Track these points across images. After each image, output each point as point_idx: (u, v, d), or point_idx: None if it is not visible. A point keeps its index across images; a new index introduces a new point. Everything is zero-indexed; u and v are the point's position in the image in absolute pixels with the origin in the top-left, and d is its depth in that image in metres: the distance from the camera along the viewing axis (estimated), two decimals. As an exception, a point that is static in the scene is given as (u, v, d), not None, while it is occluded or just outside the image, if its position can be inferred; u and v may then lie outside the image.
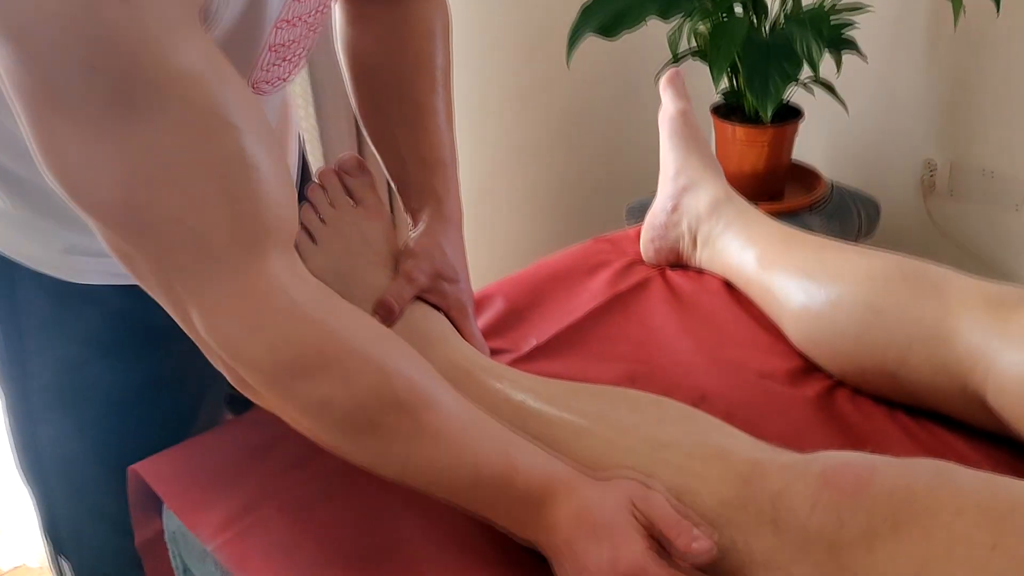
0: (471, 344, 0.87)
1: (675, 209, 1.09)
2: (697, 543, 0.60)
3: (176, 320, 0.60)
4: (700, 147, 1.12)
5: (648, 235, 1.11)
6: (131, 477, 0.82)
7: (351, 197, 0.90)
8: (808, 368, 0.92)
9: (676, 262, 1.11)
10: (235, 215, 0.55)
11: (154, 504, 0.84)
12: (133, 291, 0.76)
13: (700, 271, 1.09)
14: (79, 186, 0.52)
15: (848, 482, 0.59)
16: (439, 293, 0.87)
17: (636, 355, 0.94)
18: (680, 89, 1.15)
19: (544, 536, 0.65)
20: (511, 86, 2.16)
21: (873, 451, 0.64)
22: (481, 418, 0.67)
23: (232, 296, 0.57)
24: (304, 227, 0.86)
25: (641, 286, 1.06)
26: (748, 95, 1.81)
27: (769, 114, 1.70)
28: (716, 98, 2.03)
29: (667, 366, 0.92)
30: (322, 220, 0.88)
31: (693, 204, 1.08)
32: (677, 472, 0.67)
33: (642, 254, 1.12)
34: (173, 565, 0.85)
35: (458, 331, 0.87)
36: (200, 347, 0.62)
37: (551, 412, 0.74)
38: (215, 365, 0.63)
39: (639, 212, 2.06)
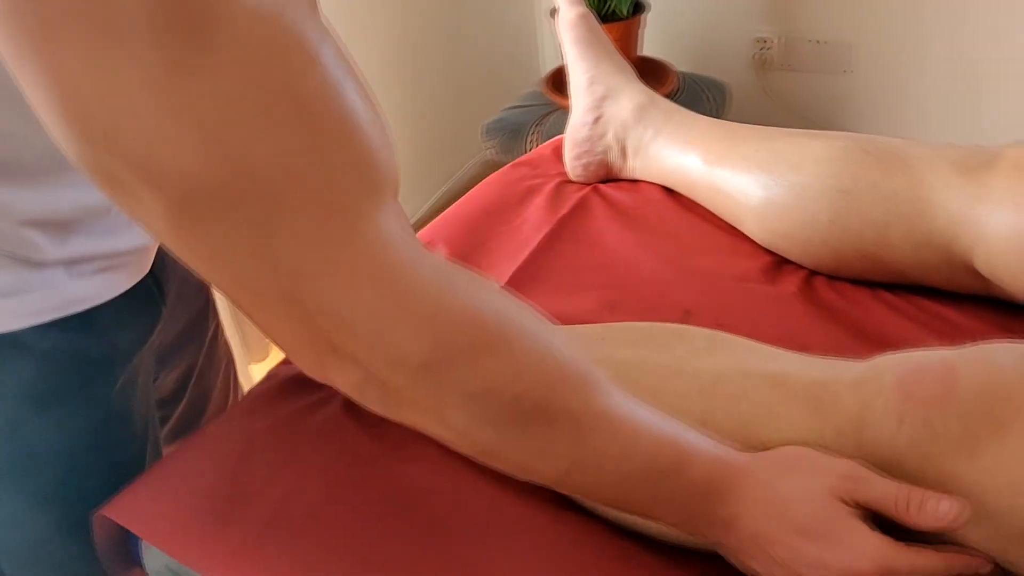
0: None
1: (597, 121, 1.03)
2: (943, 504, 0.53)
3: (281, 314, 0.45)
4: (609, 51, 1.06)
5: (573, 152, 1.05)
6: (98, 525, 0.70)
7: None
8: (778, 263, 0.90)
9: (607, 176, 1.05)
10: (347, 158, 0.42)
11: (126, 549, 0.74)
12: (56, 327, 0.63)
13: (634, 181, 1.04)
14: (154, 155, 0.37)
15: (931, 389, 0.56)
16: None
17: (604, 281, 0.89)
18: (576, -8, 1.08)
19: (722, 532, 0.57)
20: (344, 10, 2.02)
21: (882, 340, 0.61)
22: (640, 401, 0.56)
23: (364, 263, 0.44)
24: None
25: (581, 207, 1.00)
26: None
27: (627, 9, 1.66)
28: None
29: (639, 286, 0.88)
30: None
31: (616, 112, 1.02)
32: (736, 408, 0.62)
33: (569, 173, 1.07)
34: (161, 608, 0.74)
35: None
36: (315, 344, 0.46)
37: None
38: (312, 372, 0.48)
39: (498, 131, 1.99)
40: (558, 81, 2.07)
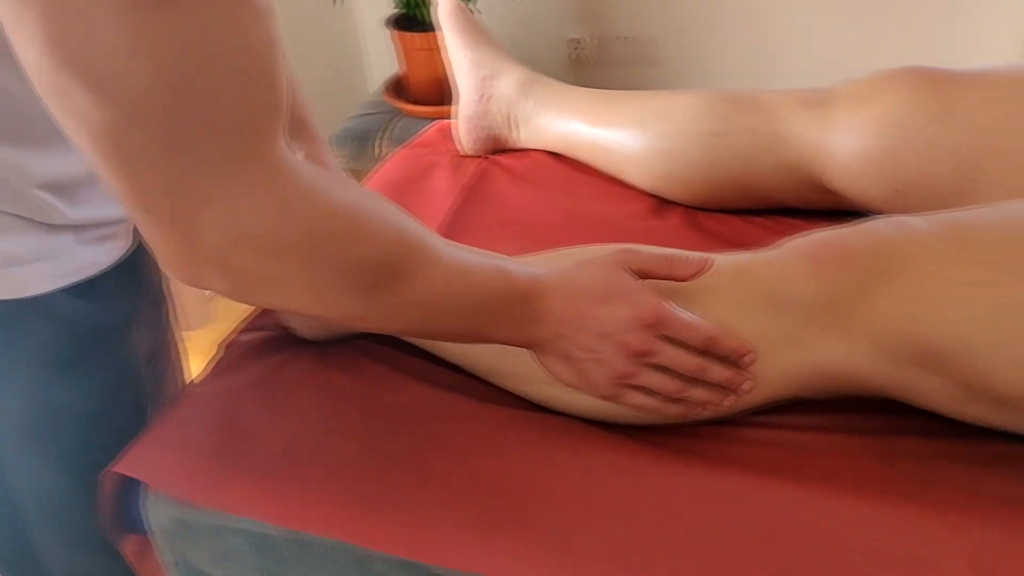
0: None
1: (484, 99, 1.15)
2: (693, 257, 0.70)
3: (170, 232, 0.53)
4: (487, 37, 1.18)
5: (464, 127, 1.16)
6: (107, 483, 0.75)
7: None
8: (662, 203, 1.05)
9: (497, 147, 1.17)
10: (266, 98, 0.51)
11: (127, 514, 0.78)
12: (73, 291, 0.68)
13: (523, 150, 1.17)
14: (108, 73, 0.45)
15: (832, 253, 0.71)
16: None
17: (516, 233, 1.01)
18: (450, -14, 1.19)
19: (541, 328, 0.68)
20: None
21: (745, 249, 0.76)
22: (467, 248, 0.69)
23: (259, 182, 0.53)
24: None
25: (481, 175, 1.12)
26: (429, 1, 1.88)
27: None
28: (390, 12, 2.08)
29: (548, 234, 1.00)
30: None
31: (501, 90, 1.14)
32: (681, 289, 0.75)
33: (462, 148, 1.17)
34: (164, 562, 0.79)
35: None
36: (195, 258, 0.55)
37: None
38: (210, 278, 0.57)
39: (346, 140, 2.07)
40: (397, 88, 2.18)
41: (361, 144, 2.06)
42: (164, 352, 0.93)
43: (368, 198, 0.62)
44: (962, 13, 2.05)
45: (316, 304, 0.60)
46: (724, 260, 0.77)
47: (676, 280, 0.71)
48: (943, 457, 0.70)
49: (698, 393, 0.71)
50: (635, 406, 0.71)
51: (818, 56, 2.22)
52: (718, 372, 0.70)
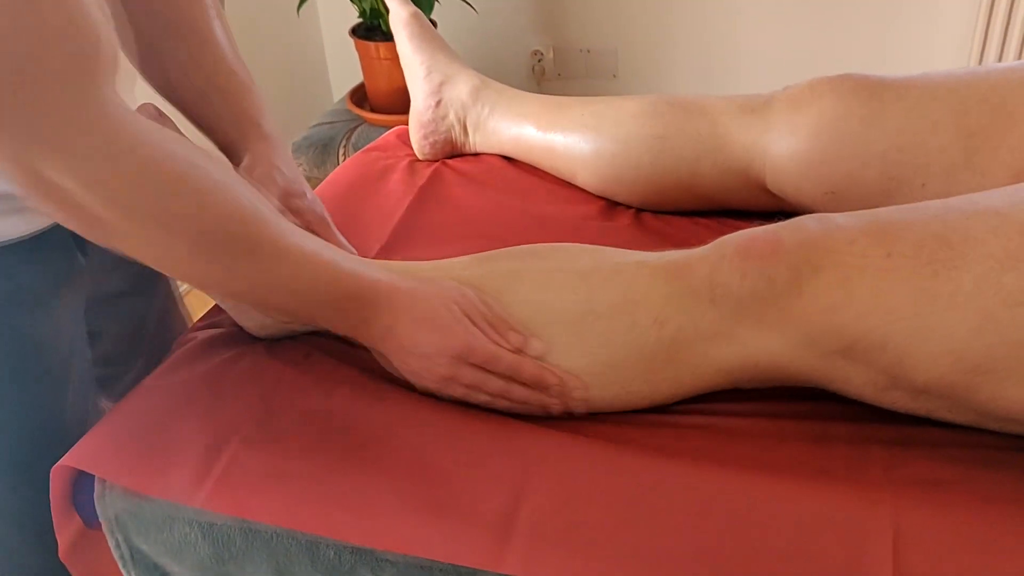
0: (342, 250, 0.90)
1: (438, 104, 1.17)
2: (514, 340, 0.77)
3: (14, 166, 0.57)
4: (441, 44, 1.21)
5: (419, 133, 1.19)
6: (57, 477, 0.76)
7: None
8: (611, 205, 1.08)
9: (452, 152, 1.20)
10: (81, 43, 0.56)
11: (73, 501, 0.79)
12: None
13: (476, 155, 1.19)
14: None
15: (763, 249, 0.74)
16: (296, 212, 0.88)
17: (470, 232, 1.03)
18: (404, -6, 1.22)
19: (368, 331, 0.76)
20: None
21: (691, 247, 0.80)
22: (309, 237, 0.74)
23: (86, 126, 0.57)
24: None
25: (436, 177, 1.14)
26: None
27: (424, 23, 1.82)
28: (352, 22, 2.11)
29: (500, 234, 1.02)
30: None
31: (455, 95, 1.17)
32: (613, 286, 0.78)
33: (417, 152, 1.20)
34: (116, 555, 0.80)
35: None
36: (42, 202, 0.59)
37: (481, 273, 0.82)
38: (56, 216, 0.62)
39: (307, 147, 2.08)
40: (359, 97, 2.20)
41: (323, 151, 2.07)
42: (154, 340, 0.95)
43: (210, 163, 0.66)
44: (908, 21, 2.11)
45: (159, 251, 0.65)
46: (660, 256, 0.80)
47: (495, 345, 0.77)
48: (871, 440, 0.74)
49: (518, 393, 0.77)
50: (461, 398, 0.78)
51: (770, 65, 2.28)
52: (519, 393, 0.77)
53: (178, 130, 0.88)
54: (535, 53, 2.48)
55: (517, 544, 0.67)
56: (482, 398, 0.77)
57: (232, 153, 0.89)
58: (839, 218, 0.75)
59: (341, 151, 2.09)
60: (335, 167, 2.14)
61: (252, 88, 0.90)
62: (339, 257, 0.74)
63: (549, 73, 2.50)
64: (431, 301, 0.76)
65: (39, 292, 0.78)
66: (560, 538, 0.67)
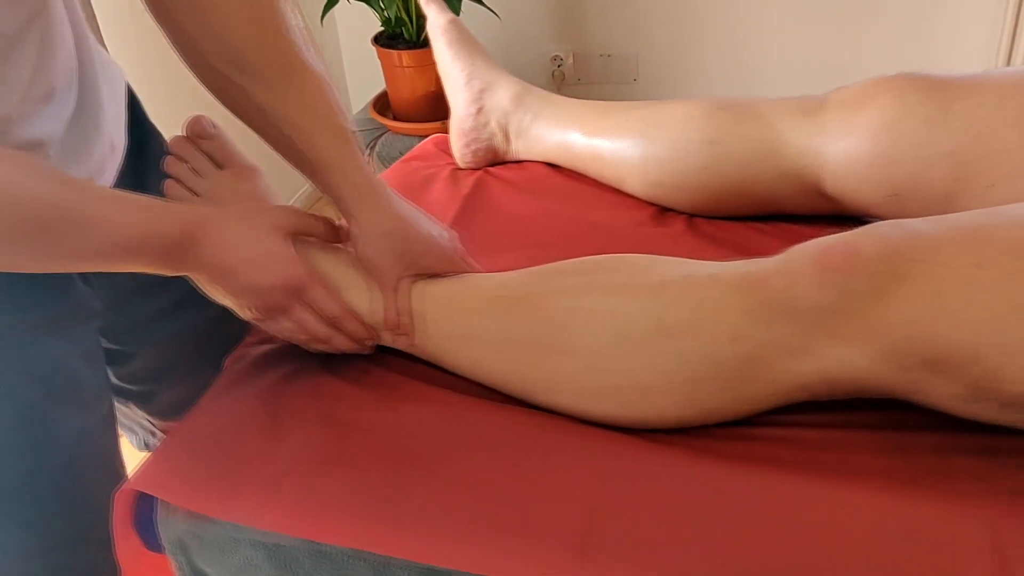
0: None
1: (480, 111, 1.16)
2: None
3: None
4: (480, 50, 1.19)
5: (461, 142, 1.17)
6: (120, 501, 0.74)
7: (213, 161, 0.87)
8: (662, 211, 1.06)
9: (494, 160, 1.18)
10: None
11: (134, 523, 0.77)
12: None
13: (519, 162, 1.17)
14: None
15: (841, 260, 0.71)
16: (427, 271, 0.85)
17: (520, 242, 1.01)
18: (442, 2, 1.20)
19: (193, 268, 0.74)
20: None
21: (761, 255, 0.77)
22: (122, 196, 0.71)
23: None
24: None
25: (479, 186, 1.12)
26: (414, 19, 1.90)
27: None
28: (376, 30, 2.09)
29: (552, 242, 1.01)
30: (195, 193, 0.84)
31: (496, 102, 1.15)
32: (685, 301, 0.75)
33: (459, 161, 1.18)
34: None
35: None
36: None
37: (545, 288, 0.80)
38: None
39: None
40: (382, 105, 2.18)
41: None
42: (209, 337, 0.94)
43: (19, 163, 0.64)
44: (939, 22, 2.09)
45: None
46: (731, 268, 0.77)
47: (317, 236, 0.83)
48: (956, 450, 0.71)
49: (339, 341, 0.82)
50: (282, 333, 0.81)
51: (795, 68, 2.26)
52: (341, 342, 0.82)
53: (233, 145, 0.87)
54: (555, 58, 2.46)
55: (595, 563, 0.65)
56: (312, 328, 0.80)
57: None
58: (918, 224, 0.73)
59: (366, 159, 2.07)
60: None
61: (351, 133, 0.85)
62: (155, 208, 0.71)
63: (569, 78, 2.48)
64: (260, 238, 0.76)
65: (31, 325, 0.76)
66: (640, 556, 0.65)
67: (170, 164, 0.85)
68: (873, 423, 0.75)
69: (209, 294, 0.80)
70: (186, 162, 0.86)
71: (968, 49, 2.10)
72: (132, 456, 0.94)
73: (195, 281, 0.78)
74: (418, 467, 0.74)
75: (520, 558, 0.66)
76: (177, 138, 0.87)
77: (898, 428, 0.74)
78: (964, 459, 0.70)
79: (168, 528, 0.76)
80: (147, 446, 1.05)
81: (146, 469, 0.75)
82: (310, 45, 0.81)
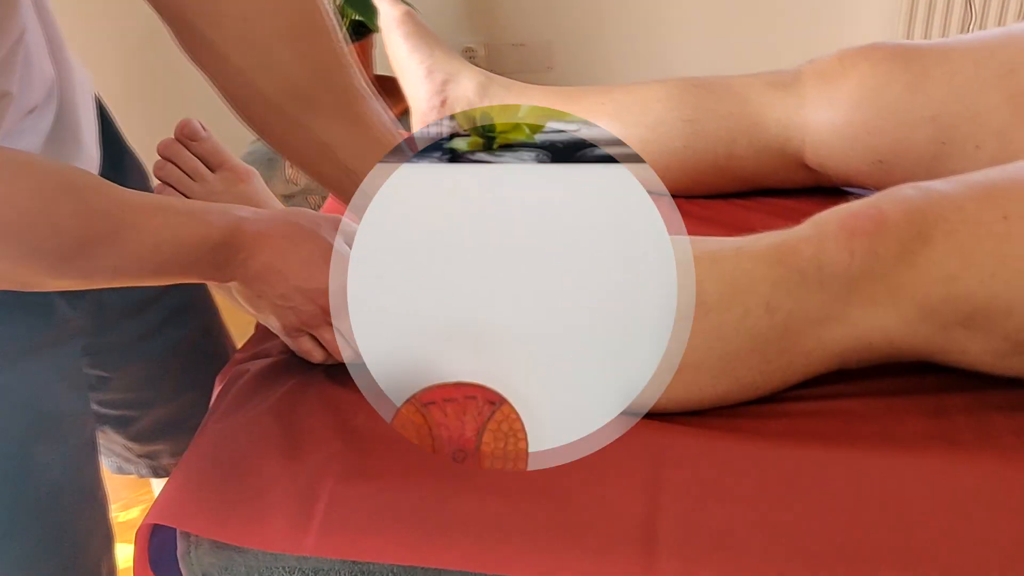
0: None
1: (444, 104, 1.12)
2: None
3: None
4: (438, 42, 1.16)
5: (425, 135, 1.13)
6: (140, 537, 0.69)
7: (206, 164, 0.82)
8: (641, 193, 1.05)
9: (460, 153, 1.15)
10: None
11: (150, 563, 0.72)
12: None
13: (487, 153, 1.14)
14: None
15: (867, 225, 0.72)
16: None
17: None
18: (391, -7, 1.16)
19: (241, 272, 0.71)
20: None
21: (751, 230, 0.77)
22: (162, 200, 0.67)
23: None
24: None
25: (451, 180, 1.09)
26: (348, 11, 1.83)
27: (373, 25, 1.75)
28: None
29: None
30: (189, 198, 0.80)
31: (461, 93, 1.12)
32: (717, 275, 0.74)
33: (424, 156, 1.14)
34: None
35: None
36: None
37: None
38: None
39: (252, 163, 1.99)
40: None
41: (269, 165, 1.99)
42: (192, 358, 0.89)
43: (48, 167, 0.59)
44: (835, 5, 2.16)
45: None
46: (756, 240, 0.77)
47: None
48: (988, 407, 0.72)
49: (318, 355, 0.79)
50: (302, 351, 0.78)
51: (713, 51, 2.29)
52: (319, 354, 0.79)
53: (224, 147, 0.82)
54: (467, 50, 2.44)
55: (665, 556, 0.64)
56: (304, 343, 0.78)
57: None
58: (939, 184, 0.74)
59: (287, 164, 2.00)
60: (283, 181, 2.06)
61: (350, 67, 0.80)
62: (200, 211, 0.68)
63: (483, 69, 2.46)
64: (313, 234, 0.73)
65: (10, 351, 0.71)
66: (711, 545, 0.64)
67: (159, 168, 0.81)
68: (904, 388, 0.76)
69: (241, 302, 0.76)
70: (177, 166, 0.81)
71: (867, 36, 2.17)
72: (109, 479, 0.88)
73: (230, 289, 0.74)
74: (451, 474, 0.71)
75: (587, 559, 0.64)
76: (167, 141, 0.82)
77: (930, 392, 0.75)
78: (999, 416, 0.72)
79: (191, 563, 0.70)
80: (122, 470, 0.99)
81: (162, 501, 0.70)
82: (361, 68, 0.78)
